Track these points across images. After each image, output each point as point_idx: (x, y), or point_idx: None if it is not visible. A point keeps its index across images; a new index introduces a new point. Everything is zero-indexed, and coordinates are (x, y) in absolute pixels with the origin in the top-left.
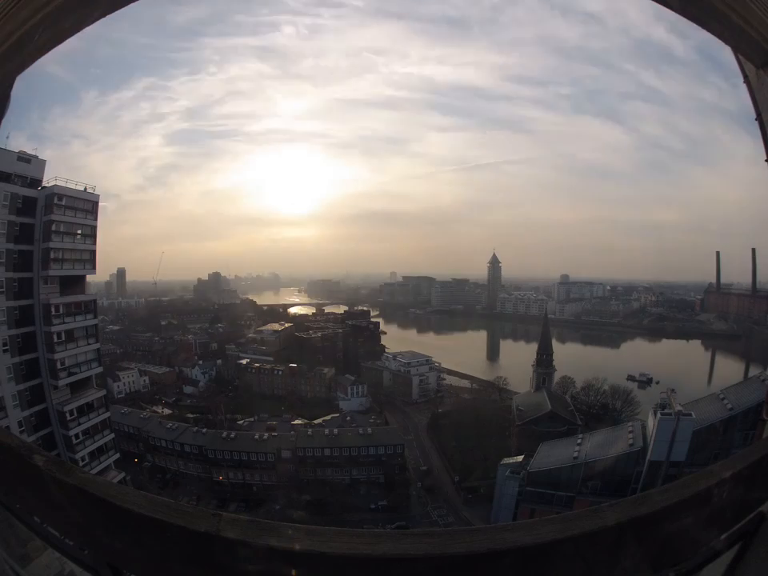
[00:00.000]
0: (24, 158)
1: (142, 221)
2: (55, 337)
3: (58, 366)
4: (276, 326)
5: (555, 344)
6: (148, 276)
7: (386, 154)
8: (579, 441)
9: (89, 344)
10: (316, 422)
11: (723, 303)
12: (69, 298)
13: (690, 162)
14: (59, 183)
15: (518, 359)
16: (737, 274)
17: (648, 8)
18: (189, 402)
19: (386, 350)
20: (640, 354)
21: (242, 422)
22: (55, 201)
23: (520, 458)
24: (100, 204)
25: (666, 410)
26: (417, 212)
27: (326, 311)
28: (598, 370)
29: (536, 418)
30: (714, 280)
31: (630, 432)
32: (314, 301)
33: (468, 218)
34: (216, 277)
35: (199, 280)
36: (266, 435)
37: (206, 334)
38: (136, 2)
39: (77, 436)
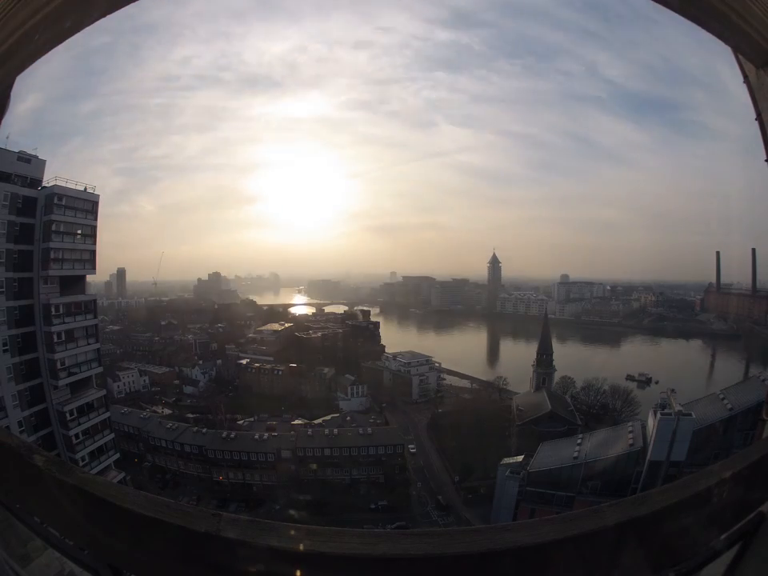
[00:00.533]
0: (24, 157)
1: (142, 221)
2: (55, 337)
3: (58, 365)
4: (276, 326)
5: (555, 344)
6: (148, 276)
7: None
8: (579, 441)
9: (89, 344)
10: (316, 422)
11: (723, 303)
12: (69, 297)
13: (690, 162)
14: (59, 183)
15: (518, 359)
16: (737, 274)
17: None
18: (189, 402)
19: (386, 349)
20: (640, 354)
21: (242, 422)
22: (55, 201)
23: (520, 458)
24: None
25: (665, 410)
26: (417, 211)
27: (325, 311)
28: (598, 369)
29: (536, 417)
30: (714, 280)
31: (630, 432)
32: (314, 301)
33: (468, 218)
34: (216, 277)
35: (199, 280)
36: (266, 435)
37: (206, 334)
38: (136, 2)
39: (77, 436)
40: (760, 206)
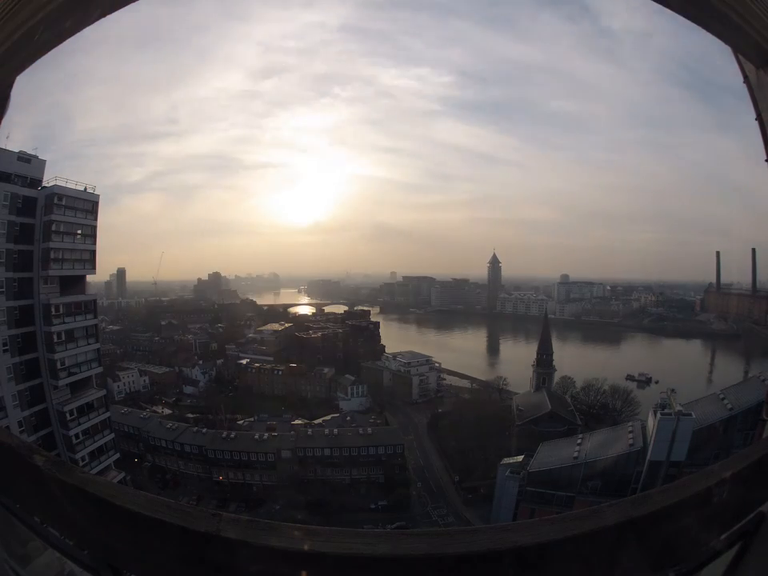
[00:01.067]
0: (24, 157)
1: (142, 221)
2: (55, 337)
3: (58, 365)
4: (276, 326)
5: (555, 344)
6: (148, 276)
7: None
8: (579, 441)
9: (89, 344)
10: (316, 422)
11: (723, 303)
12: (69, 297)
13: (690, 162)
14: (59, 183)
15: (517, 359)
16: (737, 274)
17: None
18: (189, 402)
19: (386, 349)
20: (640, 354)
21: (242, 422)
22: (55, 201)
23: (520, 458)
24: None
25: (665, 410)
26: (417, 211)
27: (325, 311)
28: (598, 369)
29: (536, 417)
30: (714, 280)
31: (630, 432)
32: (314, 301)
33: (468, 217)
34: (216, 277)
35: (199, 280)
36: (266, 435)
37: (206, 333)
38: (136, 2)
39: (77, 436)
40: (760, 206)
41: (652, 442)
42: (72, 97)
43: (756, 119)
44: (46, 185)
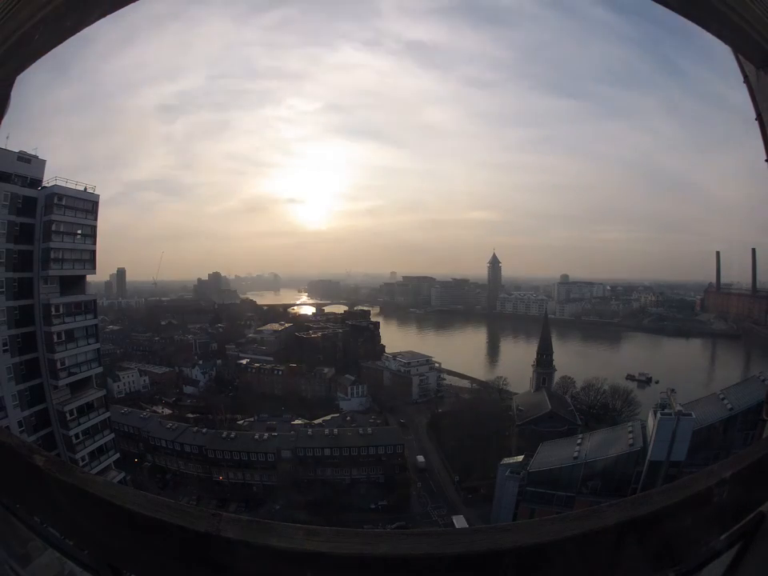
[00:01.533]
0: (24, 157)
1: (142, 221)
2: (55, 337)
3: (58, 366)
4: (276, 326)
5: (555, 344)
6: (148, 276)
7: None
8: (579, 441)
9: (89, 344)
10: (316, 422)
11: (723, 303)
12: (69, 297)
13: (690, 162)
14: (59, 183)
15: (517, 359)
16: (737, 274)
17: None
18: (189, 402)
19: (386, 349)
20: (640, 354)
21: (242, 422)
22: (55, 201)
23: (520, 458)
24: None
25: (666, 410)
26: (416, 212)
27: (325, 311)
28: (598, 369)
29: (536, 417)
30: (714, 280)
31: (630, 432)
32: (314, 301)
33: (468, 218)
34: (216, 277)
35: (199, 280)
36: (266, 435)
37: (206, 334)
38: (136, 2)
39: (77, 436)
40: (760, 206)
41: (652, 442)
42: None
43: (756, 119)
44: (46, 185)
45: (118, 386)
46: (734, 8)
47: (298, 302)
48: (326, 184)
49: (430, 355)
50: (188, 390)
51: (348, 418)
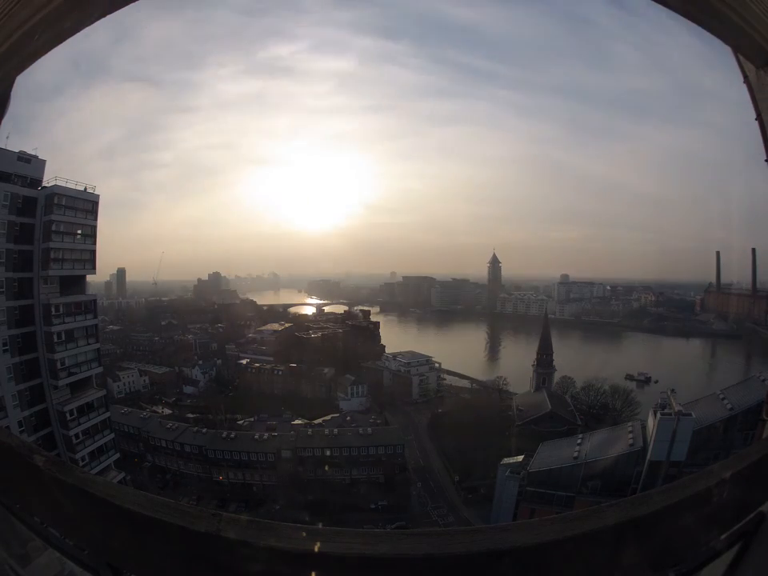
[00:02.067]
0: (24, 157)
1: (142, 221)
2: (55, 337)
3: (58, 366)
4: (276, 326)
5: (555, 344)
6: (148, 276)
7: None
8: (579, 441)
9: (89, 344)
10: (316, 422)
11: (723, 303)
12: (69, 297)
13: (690, 162)
14: (59, 183)
15: (518, 359)
16: (737, 274)
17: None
18: (189, 402)
19: (386, 349)
20: (640, 354)
21: (242, 421)
22: (55, 201)
23: (520, 458)
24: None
25: (665, 410)
26: (416, 211)
27: (325, 311)
28: (598, 369)
29: (536, 417)
30: (714, 280)
31: (630, 432)
32: (314, 301)
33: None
34: (216, 277)
35: (199, 280)
36: (266, 435)
37: (206, 334)
38: (136, 2)
39: (77, 436)
40: (760, 206)
41: (652, 442)
42: (76, 90)
43: (756, 119)
44: (46, 185)
45: (118, 386)
46: (734, 8)
47: (297, 302)
48: (326, 184)
49: (430, 355)
50: (188, 389)
51: (348, 418)
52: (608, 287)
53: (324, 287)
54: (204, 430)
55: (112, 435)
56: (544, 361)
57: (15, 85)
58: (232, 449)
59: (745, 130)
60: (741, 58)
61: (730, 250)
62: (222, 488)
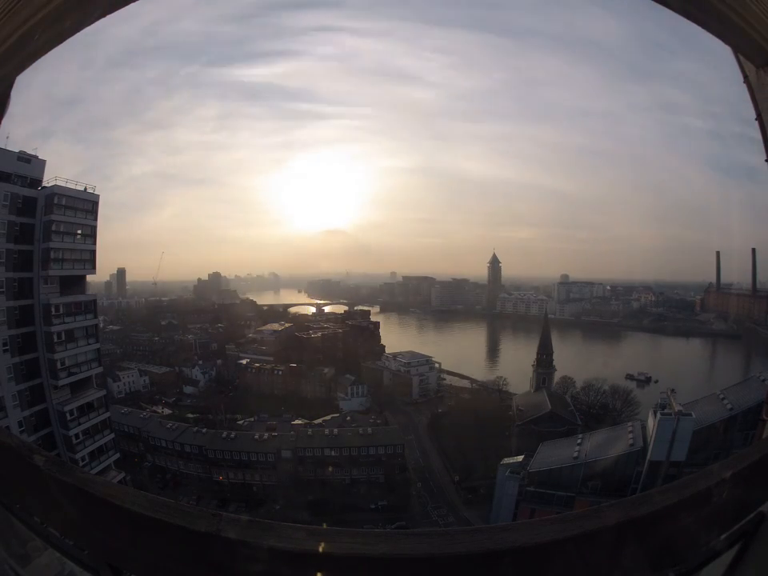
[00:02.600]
0: (24, 157)
1: (143, 221)
2: (55, 337)
3: (58, 365)
4: (276, 326)
5: (555, 344)
6: (148, 276)
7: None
8: (579, 441)
9: (89, 344)
10: (316, 422)
11: (723, 303)
12: (69, 297)
13: (690, 162)
14: (59, 183)
15: (517, 359)
16: (737, 274)
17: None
18: (189, 402)
19: (386, 349)
20: (640, 354)
21: (242, 422)
22: (55, 201)
23: (520, 458)
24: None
25: (665, 410)
26: (416, 211)
27: (325, 311)
28: (598, 369)
29: (536, 417)
30: (714, 280)
31: (630, 432)
32: (314, 301)
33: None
34: (216, 277)
35: (199, 280)
36: (266, 435)
37: (206, 333)
38: (136, 2)
39: (77, 436)
40: (760, 206)
41: (652, 442)
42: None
43: (756, 119)
44: (46, 185)
45: (118, 386)
46: (734, 8)
47: (297, 302)
48: (326, 185)
49: (430, 355)
50: (188, 389)
51: (348, 418)
52: (608, 287)
53: (324, 287)
54: (204, 430)
55: (112, 435)
56: (544, 361)
57: (15, 85)
58: (232, 449)
59: (745, 130)
60: (741, 57)
61: (730, 250)
62: (222, 488)
